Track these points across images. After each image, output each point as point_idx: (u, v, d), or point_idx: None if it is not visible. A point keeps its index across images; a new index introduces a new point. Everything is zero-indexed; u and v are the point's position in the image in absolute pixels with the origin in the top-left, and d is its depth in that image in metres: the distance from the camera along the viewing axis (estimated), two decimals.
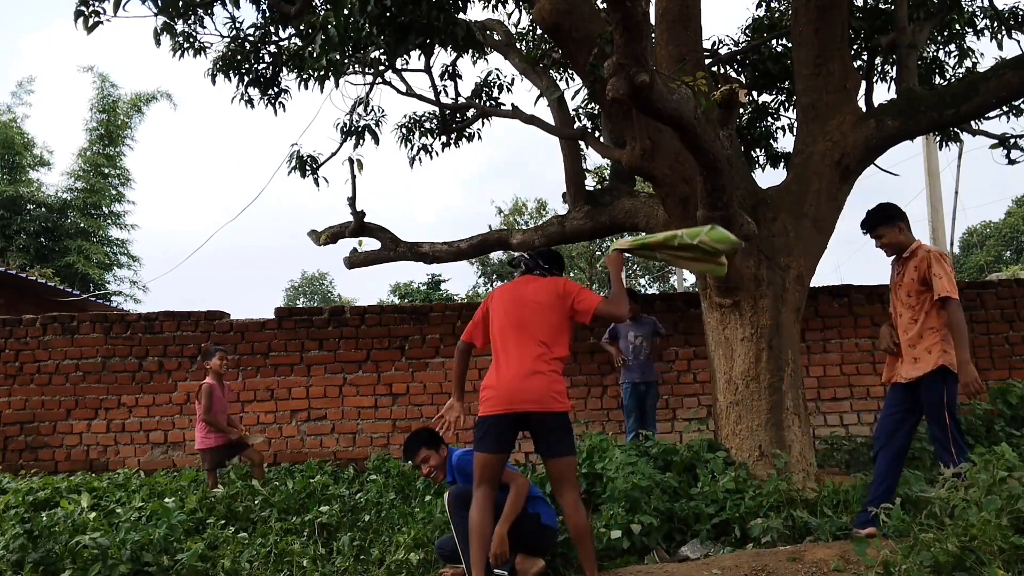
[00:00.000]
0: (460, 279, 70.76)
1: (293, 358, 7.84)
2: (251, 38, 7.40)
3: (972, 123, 7.60)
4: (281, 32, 7.46)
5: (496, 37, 8.20)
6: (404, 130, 8.46)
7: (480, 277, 28.82)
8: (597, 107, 7.83)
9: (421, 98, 7.92)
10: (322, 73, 6.19)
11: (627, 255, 4.08)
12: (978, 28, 8.13)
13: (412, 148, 8.45)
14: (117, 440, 7.68)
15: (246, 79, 7.53)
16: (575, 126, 7.75)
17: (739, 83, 4.90)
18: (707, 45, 7.77)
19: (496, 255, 25.72)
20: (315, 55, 5.93)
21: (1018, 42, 10.32)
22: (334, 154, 7.92)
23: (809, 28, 5.58)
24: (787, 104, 8.51)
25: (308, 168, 7.75)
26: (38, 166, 19.78)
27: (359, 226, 7.76)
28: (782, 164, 8.66)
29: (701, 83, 4.03)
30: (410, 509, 5.07)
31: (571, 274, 26.58)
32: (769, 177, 24.28)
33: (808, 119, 5.69)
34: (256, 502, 5.30)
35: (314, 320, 7.94)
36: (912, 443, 4.49)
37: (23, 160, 18.94)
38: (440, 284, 21.75)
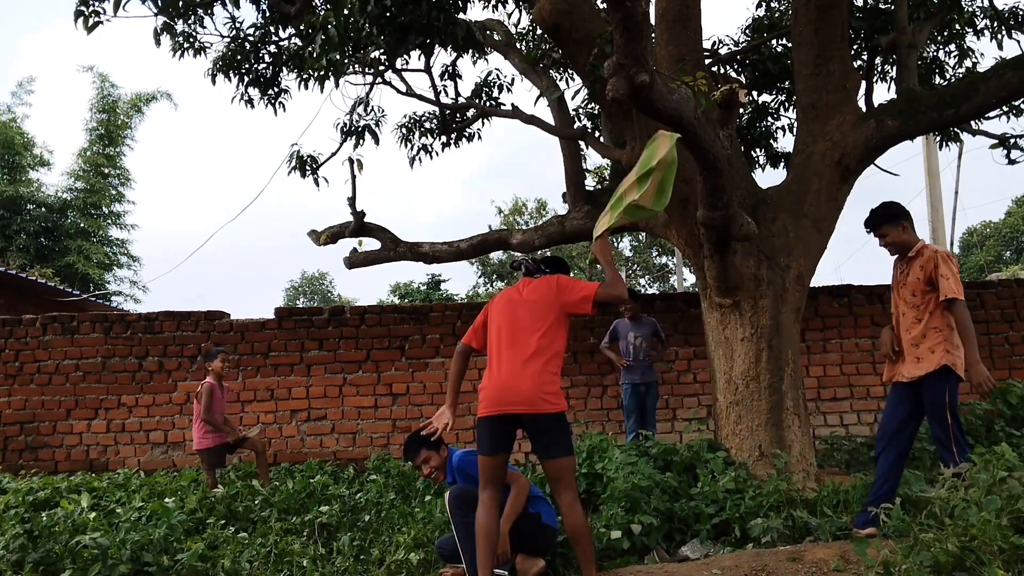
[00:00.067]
0: (460, 279, 70.73)
1: (293, 358, 7.84)
2: (251, 38, 7.40)
3: (972, 123, 7.60)
4: (281, 32, 7.46)
5: (496, 37, 8.21)
6: (404, 130, 8.46)
7: (480, 277, 28.85)
8: (597, 107, 7.84)
9: (421, 98, 7.93)
10: (322, 73, 6.19)
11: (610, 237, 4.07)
12: (978, 28, 8.13)
13: (412, 148, 8.46)
14: (117, 440, 7.68)
15: (246, 79, 7.53)
16: (575, 126, 7.75)
17: (739, 83, 4.90)
18: (707, 45, 7.78)
19: (496, 255, 25.75)
20: (315, 55, 5.93)
21: (1018, 42, 10.34)
22: (334, 154, 7.92)
23: (809, 28, 5.58)
24: (787, 104, 8.51)
25: (308, 168, 7.76)
26: (38, 166, 19.79)
27: (359, 226, 7.76)
28: (782, 164, 8.66)
29: (701, 83, 4.03)
30: (410, 509, 5.07)
31: (571, 274, 26.56)
32: (769, 177, 24.31)
33: (808, 119, 5.69)
34: (256, 502, 5.30)
35: (314, 320, 7.94)
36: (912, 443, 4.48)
37: (23, 160, 18.94)
38: (440, 284, 21.75)
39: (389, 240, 7.84)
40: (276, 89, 7.72)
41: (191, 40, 7.08)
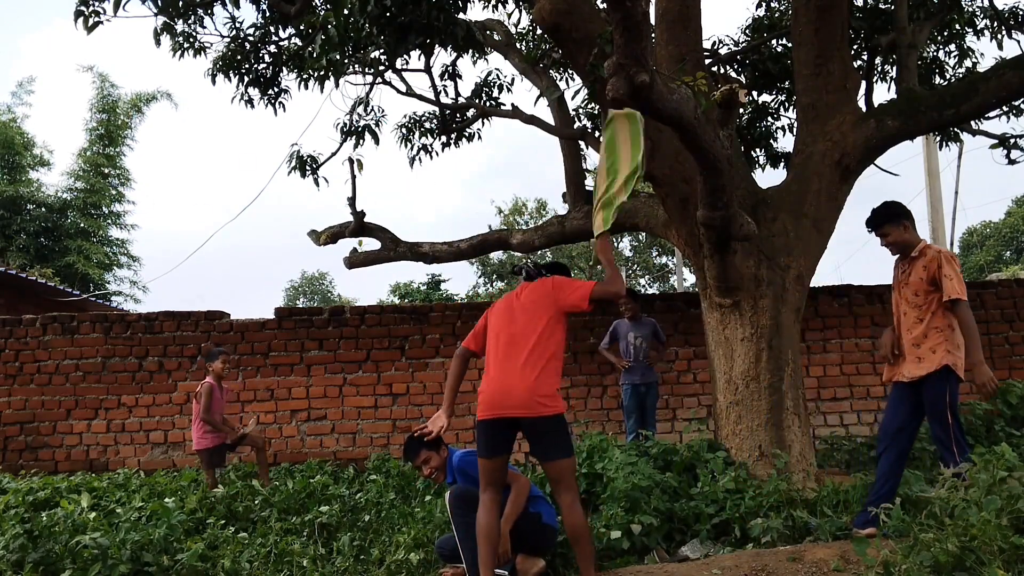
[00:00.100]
0: (460, 279, 70.75)
1: (293, 358, 7.84)
2: (251, 38, 7.40)
3: (972, 123, 7.60)
4: (281, 32, 7.46)
5: (496, 37, 8.21)
6: (404, 130, 8.47)
7: (480, 277, 28.85)
8: (597, 107, 7.83)
9: (421, 98, 7.93)
10: (322, 73, 6.19)
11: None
12: (978, 28, 8.13)
13: (412, 148, 8.46)
14: (117, 440, 7.68)
15: (246, 79, 7.53)
16: (575, 126, 7.76)
17: (739, 83, 4.91)
18: (707, 45, 7.77)
19: (496, 255, 25.75)
20: (315, 55, 5.93)
21: (1018, 42, 10.34)
22: (334, 154, 7.93)
23: (809, 28, 5.58)
24: (787, 104, 8.51)
25: (308, 168, 7.76)
26: (38, 166, 19.79)
27: (359, 226, 7.76)
28: (782, 164, 8.66)
29: (701, 83, 4.02)
30: (410, 509, 5.07)
31: (571, 274, 26.56)
32: (769, 177, 24.31)
33: (808, 119, 5.69)
34: (256, 502, 5.30)
35: (314, 320, 7.94)
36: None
37: (23, 160, 18.94)
38: (440, 284, 21.75)
39: (389, 240, 7.84)
40: (276, 89, 7.72)
41: (191, 40, 7.08)
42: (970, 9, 8.04)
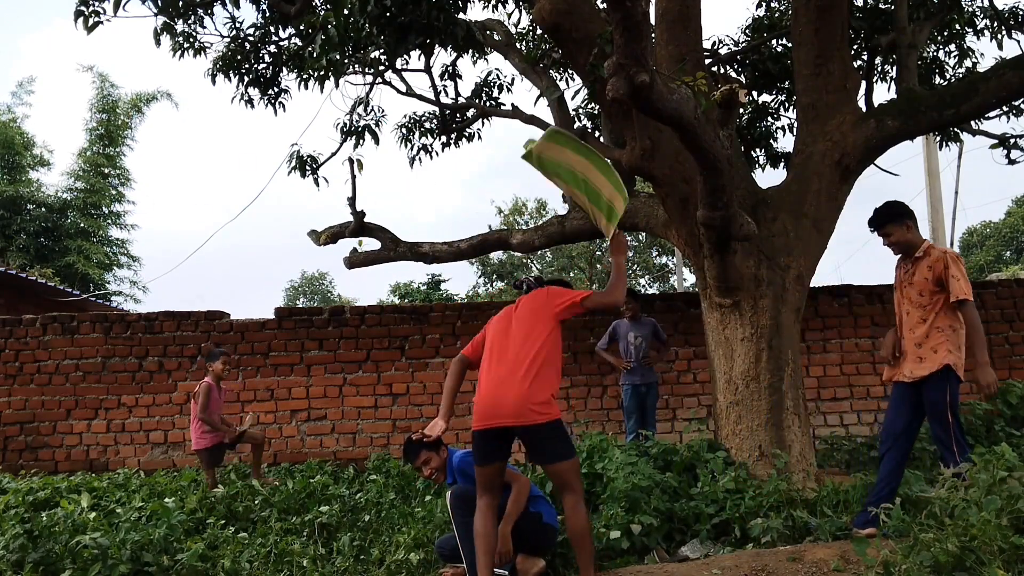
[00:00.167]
0: (460, 279, 70.78)
1: (293, 358, 7.84)
2: (251, 38, 7.41)
3: (972, 123, 7.60)
4: (281, 32, 7.46)
5: (496, 37, 8.21)
6: (404, 130, 8.47)
7: (480, 277, 28.84)
8: (597, 107, 7.84)
9: (421, 98, 7.93)
10: (322, 73, 6.20)
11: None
12: (978, 28, 8.13)
13: (412, 148, 8.47)
14: (117, 440, 7.68)
15: (246, 79, 7.54)
16: (575, 126, 7.75)
17: (739, 83, 4.90)
18: (707, 45, 7.77)
19: (496, 255, 25.75)
20: (315, 55, 5.93)
21: (1018, 42, 10.35)
22: (334, 154, 7.93)
23: (809, 28, 5.58)
24: (787, 104, 8.51)
25: (308, 168, 7.76)
26: (38, 166, 19.79)
27: (359, 226, 7.76)
28: (782, 164, 8.66)
29: (701, 83, 4.02)
30: (410, 509, 5.07)
31: (571, 274, 26.59)
32: (769, 177, 24.32)
33: (808, 119, 5.69)
34: (256, 502, 5.30)
35: (314, 320, 7.94)
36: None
37: (23, 160, 18.94)
38: (440, 284, 21.76)
39: (389, 240, 7.84)
40: (276, 89, 7.72)
41: (191, 40, 7.08)
42: (970, 9, 8.04)
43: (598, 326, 7.64)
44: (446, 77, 8.01)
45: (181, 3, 6.64)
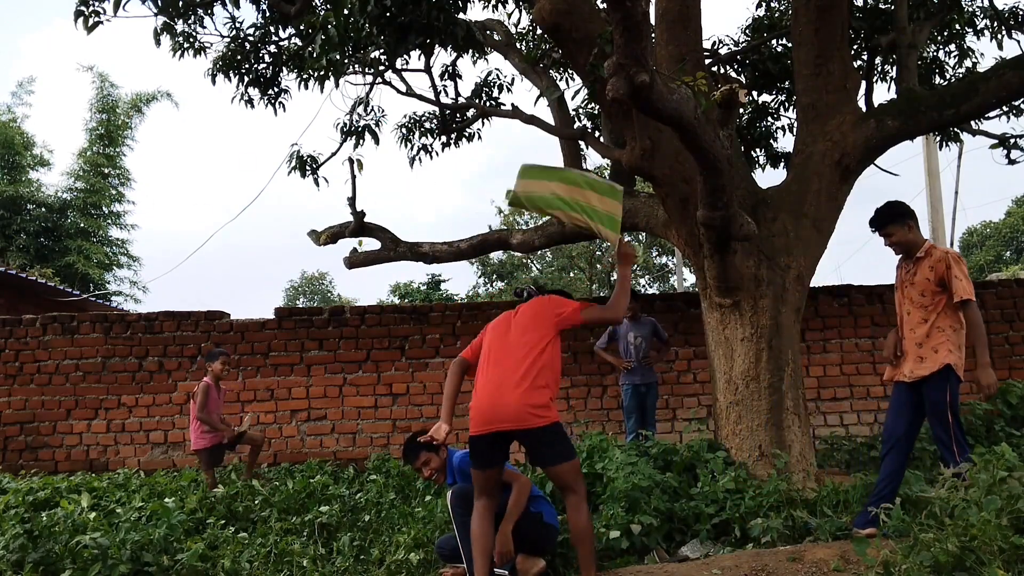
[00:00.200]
0: (460, 279, 70.84)
1: (293, 358, 7.84)
2: (251, 38, 7.41)
3: (972, 123, 7.60)
4: (281, 32, 7.46)
5: (496, 37, 8.21)
6: (404, 130, 8.46)
7: (480, 277, 28.81)
8: (597, 107, 7.84)
9: (421, 98, 7.93)
10: (322, 73, 6.19)
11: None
12: (978, 28, 8.12)
13: (412, 148, 8.46)
14: (117, 440, 7.68)
15: (246, 79, 7.53)
16: (575, 126, 7.76)
17: (739, 83, 4.90)
18: (707, 45, 7.77)
19: (496, 255, 25.74)
20: (315, 55, 5.93)
21: (1018, 42, 10.34)
22: (334, 154, 7.92)
23: (809, 28, 5.58)
24: (787, 104, 8.51)
25: (308, 168, 7.76)
26: (38, 166, 19.78)
27: (359, 226, 7.76)
28: (782, 164, 8.66)
29: (701, 83, 4.02)
30: (410, 509, 5.07)
31: (571, 274, 26.59)
32: (769, 177, 24.32)
33: (808, 119, 5.69)
34: (256, 502, 5.30)
35: (314, 320, 7.94)
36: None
37: (23, 160, 18.93)
38: (440, 284, 21.76)
39: (389, 240, 7.84)
40: (276, 89, 7.72)
41: (191, 40, 7.08)
42: (970, 9, 8.04)
43: (598, 326, 7.63)
44: (446, 77, 8.01)
45: (181, 3, 6.64)
